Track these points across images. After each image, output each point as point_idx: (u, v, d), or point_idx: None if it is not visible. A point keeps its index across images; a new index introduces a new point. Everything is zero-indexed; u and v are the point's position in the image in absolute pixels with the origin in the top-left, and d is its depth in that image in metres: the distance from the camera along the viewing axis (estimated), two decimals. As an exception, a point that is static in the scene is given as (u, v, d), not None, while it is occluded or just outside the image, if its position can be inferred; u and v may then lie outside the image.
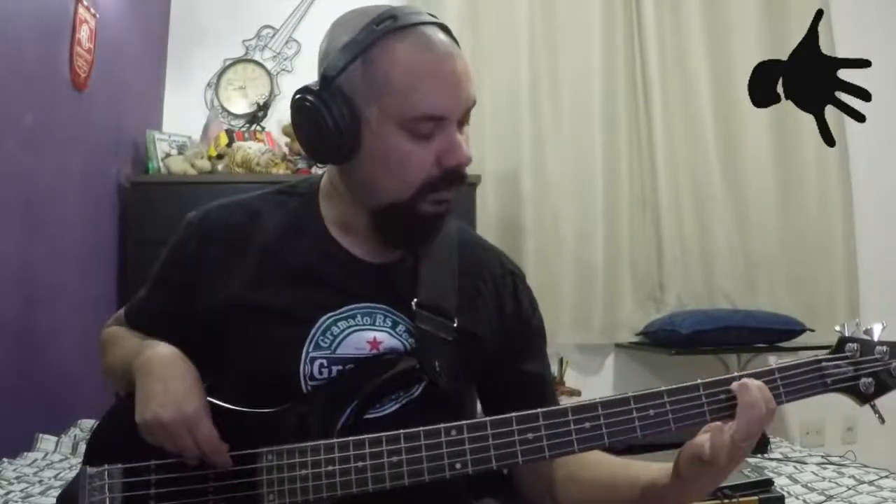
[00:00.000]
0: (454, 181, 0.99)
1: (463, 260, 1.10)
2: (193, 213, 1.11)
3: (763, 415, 0.88)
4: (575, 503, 1.06)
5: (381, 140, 0.96)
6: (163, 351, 1.00)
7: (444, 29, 0.99)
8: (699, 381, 0.91)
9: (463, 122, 1.00)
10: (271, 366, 1.00)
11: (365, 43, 0.95)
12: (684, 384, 0.91)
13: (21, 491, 1.74)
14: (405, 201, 0.98)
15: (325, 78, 0.97)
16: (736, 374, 0.91)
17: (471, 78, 0.99)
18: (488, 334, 1.08)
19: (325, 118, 0.96)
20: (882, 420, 0.93)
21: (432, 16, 0.99)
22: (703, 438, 0.88)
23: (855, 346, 0.93)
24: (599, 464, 1.04)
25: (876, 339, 0.94)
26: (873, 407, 0.93)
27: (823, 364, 0.93)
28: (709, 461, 0.88)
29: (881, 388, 0.92)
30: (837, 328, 0.96)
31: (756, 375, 0.91)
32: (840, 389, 0.93)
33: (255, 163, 2.91)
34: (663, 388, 0.91)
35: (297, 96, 0.99)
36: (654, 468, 0.97)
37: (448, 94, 0.96)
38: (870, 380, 0.92)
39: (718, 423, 0.88)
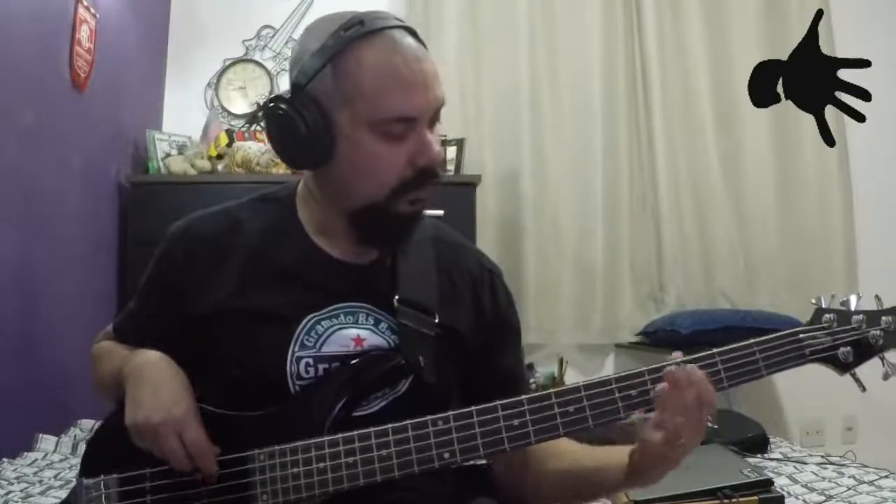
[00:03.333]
0: (427, 180, 1.01)
1: (440, 257, 1.12)
2: (176, 223, 1.13)
3: (687, 401, 0.87)
4: (550, 495, 1.08)
5: (353, 144, 0.98)
6: (152, 357, 1.02)
7: (412, 32, 1.01)
8: (679, 358, 0.92)
9: (433, 121, 1.01)
10: (259, 367, 1.01)
11: (334, 49, 0.97)
12: (664, 363, 0.92)
13: (21, 491, 1.74)
14: (381, 202, 1.00)
15: (297, 86, 0.99)
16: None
17: (439, 78, 1.00)
18: (467, 329, 1.09)
19: (298, 126, 0.98)
20: (863, 388, 0.94)
21: (399, 20, 1.01)
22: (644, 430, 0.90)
23: (832, 316, 0.94)
24: (567, 453, 1.06)
25: (852, 309, 0.94)
26: (853, 376, 0.94)
27: (801, 336, 0.93)
28: (647, 451, 0.90)
29: (860, 357, 0.93)
30: (813, 301, 0.96)
31: (734, 350, 0.92)
32: (819, 360, 0.94)
33: (255, 163, 2.91)
34: (644, 367, 0.92)
35: (270, 105, 1.01)
36: (616, 453, 0.98)
37: (417, 95, 0.97)
38: (848, 349, 0.93)
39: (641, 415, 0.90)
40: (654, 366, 0.92)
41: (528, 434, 0.91)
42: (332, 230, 1.07)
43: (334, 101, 0.97)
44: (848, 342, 0.93)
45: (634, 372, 0.92)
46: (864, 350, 0.93)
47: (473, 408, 0.92)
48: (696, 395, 0.88)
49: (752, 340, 0.93)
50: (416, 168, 0.99)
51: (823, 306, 0.95)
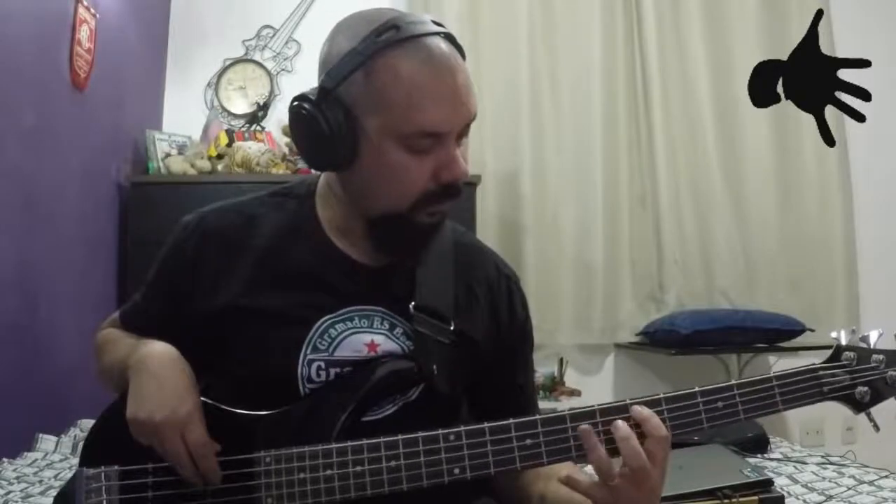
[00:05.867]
0: (450, 195, 0.99)
1: (459, 262, 1.10)
2: (189, 216, 1.10)
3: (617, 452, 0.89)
4: None
5: (378, 152, 0.96)
6: (159, 348, 1.00)
7: (449, 38, 0.98)
8: (697, 388, 0.92)
9: (462, 134, 0.99)
10: (269, 368, 1.00)
11: (366, 54, 0.94)
12: (682, 391, 0.92)
13: (21, 491, 1.74)
14: (401, 212, 0.98)
15: (325, 88, 0.96)
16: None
17: (472, 91, 0.98)
18: (482, 337, 1.08)
19: (323, 128, 0.95)
20: (877, 428, 0.95)
21: (437, 24, 0.98)
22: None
23: (852, 354, 0.94)
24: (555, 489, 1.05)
25: (872, 346, 0.94)
26: (868, 415, 0.94)
27: (821, 373, 0.93)
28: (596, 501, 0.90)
29: (876, 397, 0.93)
30: (834, 335, 0.96)
31: (753, 383, 0.92)
32: (836, 398, 0.93)
33: (254, 163, 2.91)
34: (661, 395, 0.92)
35: (295, 104, 0.98)
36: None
37: (448, 111, 0.95)
38: (866, 388, 0.92)
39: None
40: (673, 393, 0.92)
41: (540, 454, 0.90)
42: (351, 231, 1.05)
43: (362, 107, 0.95)
44: (866, 382, 0.93)
45: (653, 399, 0.91)
46: (882, 390, 0.93)
47: (486, 425, 0.91)
48: (633, 445, 0.88)
49: (771, 374, 0.92)
50: (439, 183, 0.97)
51: (843, 342, 0.95)
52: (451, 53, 0.97)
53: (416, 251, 1.05)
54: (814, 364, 0.94)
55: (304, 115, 0.97)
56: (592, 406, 0.92)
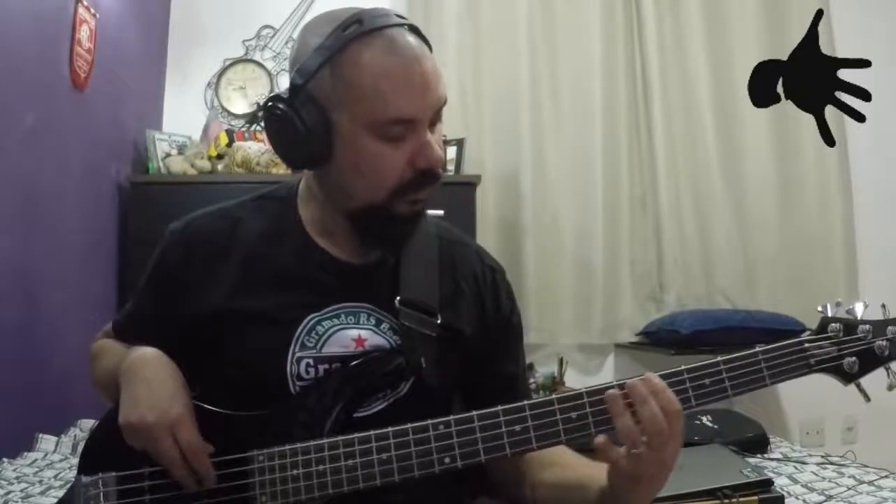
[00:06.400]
0: (428, 182, 1.00)
1: (443, 256, 1.11)
2: (175, 223, 1.12)
3: (645, 415, 0.87)
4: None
5: (352, 145, 0.97)
6: (148, 354, 1.01)
7: (413, 30, 1.00)
8: (683, 367, 0.92)
9: (434, 121, 1.00)
10: (259, 368, 1.01)
11: (332, 49, 0.95)
12: (668, 370, 0.91)
13: (21, 491, 1.74)
14: (380, 203, 0.99)
15: (295, 85, 0.97)
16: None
17: (440, 77, 0.99)
18: (470, 330, 1.09)
19: (296, 126, 0.97)
20: (867, 398, 0.94)
21: (400, 17, 1.00)
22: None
23: (838, 325, 0.94)
24: (559, 465, 1.05)
25: (859, 318, 0.94)
26: (858, 386, 0.93)
27: (807, 345, 0.93)
28: (621, 471, 0.89)
29: (865, 367, 0.93)
30: (819, 309, 0.96)
31: (739, 358, 0.92)
32: (824, 370, 0.93)
33: (254, 163, 2.91)
34: (647, 375, 0.91)
35: (269, 104, 1.00)
36: (601, 472, 0.96)
37: (416, 97, 0.96)
38: (854, 359, 0.92)
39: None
40: (659, 373, 0.91)
41: (529, 440, 0.91)
42: (333, 230, 1.06)
43: (333, 102, 0.96)
44: (854, 352, 0.92)
45: (639, 379, 0.91)
46: (870, 360, 0.92)
47: (475, 412, 0.92)
48: (651, 408, 0.87)
49: (757, 349, 0.92)
50: (415, 170, 0.98)
51: (829, 315, 0.95)
52: (416, 43, 0.98)
53: (399, 242, 1.06)
54: (800, 337, 0.94)
55: (279, 115, 0.98)
56: (580, 389, 0.92)
